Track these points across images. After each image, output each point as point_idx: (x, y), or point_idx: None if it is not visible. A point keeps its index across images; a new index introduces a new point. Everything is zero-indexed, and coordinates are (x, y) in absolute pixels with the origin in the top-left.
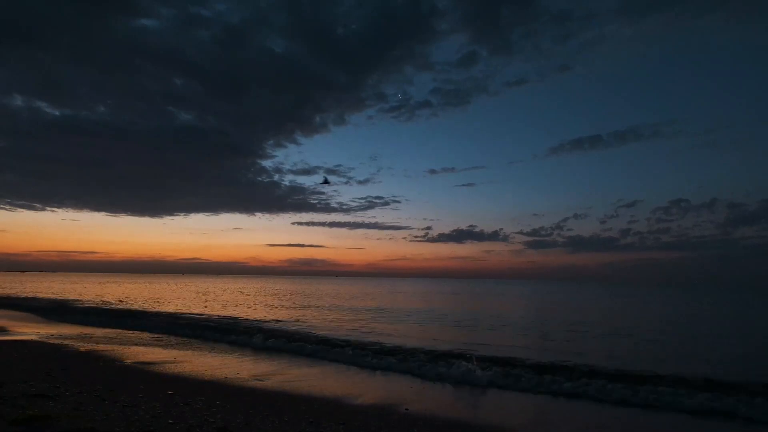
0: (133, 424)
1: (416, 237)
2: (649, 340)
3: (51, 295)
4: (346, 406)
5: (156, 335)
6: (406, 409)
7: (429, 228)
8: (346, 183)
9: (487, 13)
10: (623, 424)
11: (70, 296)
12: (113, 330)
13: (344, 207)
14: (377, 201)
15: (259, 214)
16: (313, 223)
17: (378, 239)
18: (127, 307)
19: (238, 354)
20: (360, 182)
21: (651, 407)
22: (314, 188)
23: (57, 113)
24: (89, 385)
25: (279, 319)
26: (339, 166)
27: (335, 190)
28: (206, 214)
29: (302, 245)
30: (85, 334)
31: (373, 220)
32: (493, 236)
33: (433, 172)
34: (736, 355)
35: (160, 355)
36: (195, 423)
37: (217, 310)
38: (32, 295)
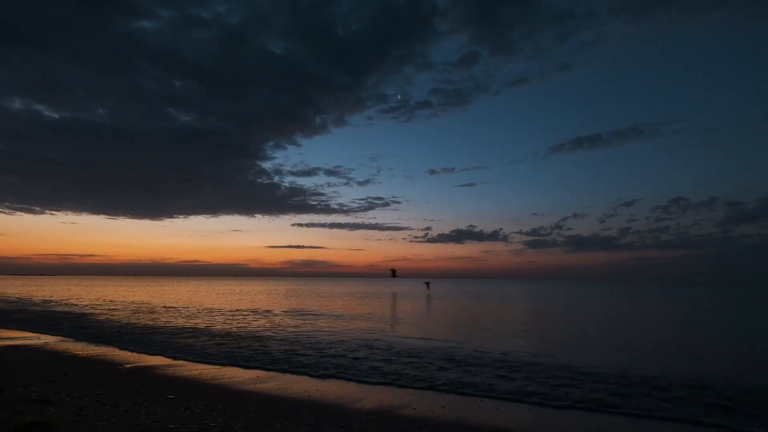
0: (134, 428)
1: (416, 237)
2: None
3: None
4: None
5: None
6: (414, 409)
7: (429, 228)
8: (346, 184)
9: (487, 12)
10: None
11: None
12: None
13: (344, 208)
14: (377, 202)
15: (259, 216)
16: (313, 225)
17: (378, 240)
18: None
19: None
20: (360, 183)
21: None
22: (314, 189)
23: (56, 116)
24: (90, 389)
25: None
26: (339, 167)
27: (335, 191)
28: (206, 216)
29: (302, 246)
30: None
31: (373, 221)
32: (493, 236)
33: (433, 172)
34: None
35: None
36: (196, 428)
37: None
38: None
